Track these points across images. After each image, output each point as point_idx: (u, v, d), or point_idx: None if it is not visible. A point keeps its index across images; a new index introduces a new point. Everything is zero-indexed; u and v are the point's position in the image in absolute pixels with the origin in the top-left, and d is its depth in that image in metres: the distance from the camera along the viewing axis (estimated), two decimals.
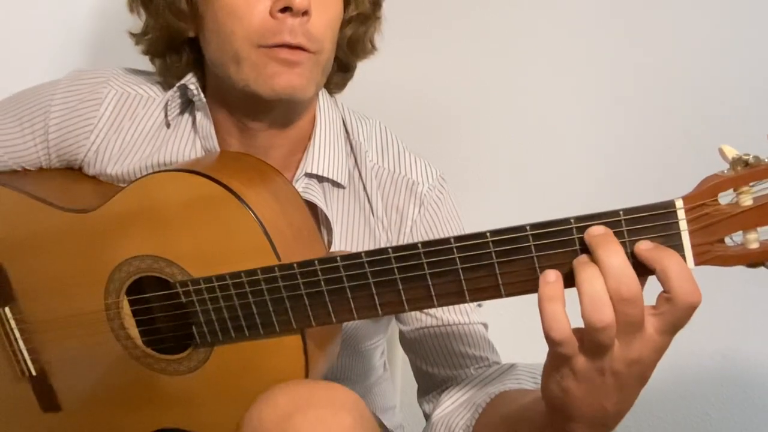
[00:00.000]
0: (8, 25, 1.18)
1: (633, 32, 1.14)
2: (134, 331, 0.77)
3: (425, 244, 0.63)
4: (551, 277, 0.57)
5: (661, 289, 0.55)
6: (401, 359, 1.17)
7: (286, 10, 0.74)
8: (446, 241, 0.62)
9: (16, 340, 0.82)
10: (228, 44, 0.77)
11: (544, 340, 0.56)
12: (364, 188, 0.87)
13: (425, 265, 0.63)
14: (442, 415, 0.80)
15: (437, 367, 0.85)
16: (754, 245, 0.57)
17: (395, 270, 0.64)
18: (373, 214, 0.86)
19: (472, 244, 0.61)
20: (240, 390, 0.74)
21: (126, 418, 0.80)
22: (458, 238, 0.62)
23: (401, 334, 0.89)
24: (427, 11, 1.22)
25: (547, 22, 1.18)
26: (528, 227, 0.60)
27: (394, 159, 0.89)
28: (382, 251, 0.64)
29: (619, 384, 0.57)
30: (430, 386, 0.87)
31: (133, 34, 0.87)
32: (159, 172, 0.75)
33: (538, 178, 1.23)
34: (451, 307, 0.85)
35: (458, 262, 0.62)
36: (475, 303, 0.85)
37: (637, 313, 0.54)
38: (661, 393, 1.19)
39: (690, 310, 0.54)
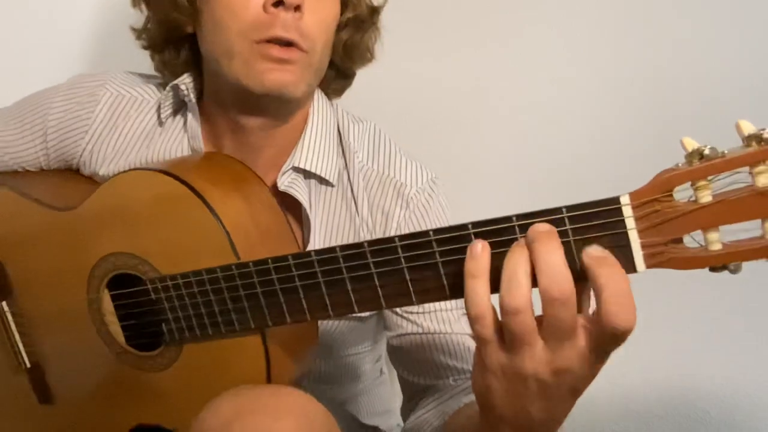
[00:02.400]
0: (12, 27, 1.22)
1: (632, 33, 1.14)
2: (115, 327, 0.79)
3: (371, 243, 0.61)
4: (476, 250, 0.53)
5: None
6: None
7: (279, 4, 0.75)
8: (390, 240, 0.60)
9: (12, 333, 0.85)
10: (223, 38, 0.78)
11: None
12: (351, 189, 0.85)
13: (372, 264, 0.61)
14: (414, 424, 0.78)
15: (417, 376, 0.82)
16: (716, 246, 0.51)
17: (344, 269, 0.62)
18: (358, 214, 0.85)
19: (414, 243, 0.59)
20: (208, 388, 0.73)
21: (110, 413, 0.82)
22: (402, 237, 0.59)
23: (387, 341, 0.86)
24: (427, 13, 1.21)
25: (546, 24, 1.18)
26: (470, 225, 0.56)
27: (384, 160, 0.87)
28: (330, 250, 0.63)
29: (545, 392, 0.53)
30: (410, 394, 0.84)
31: (134, 29, 0.89)
32: (130, 170, 0.76)
33: (537, 179, 1.21)
34: (433, 315, 0.82)
35: (403, 261, 0.59)
36: (462, 312, 0.82)
37: (567, 317, 0.50)
38: (661, 392, 1.16)
39: (614, 333, 0.49)
